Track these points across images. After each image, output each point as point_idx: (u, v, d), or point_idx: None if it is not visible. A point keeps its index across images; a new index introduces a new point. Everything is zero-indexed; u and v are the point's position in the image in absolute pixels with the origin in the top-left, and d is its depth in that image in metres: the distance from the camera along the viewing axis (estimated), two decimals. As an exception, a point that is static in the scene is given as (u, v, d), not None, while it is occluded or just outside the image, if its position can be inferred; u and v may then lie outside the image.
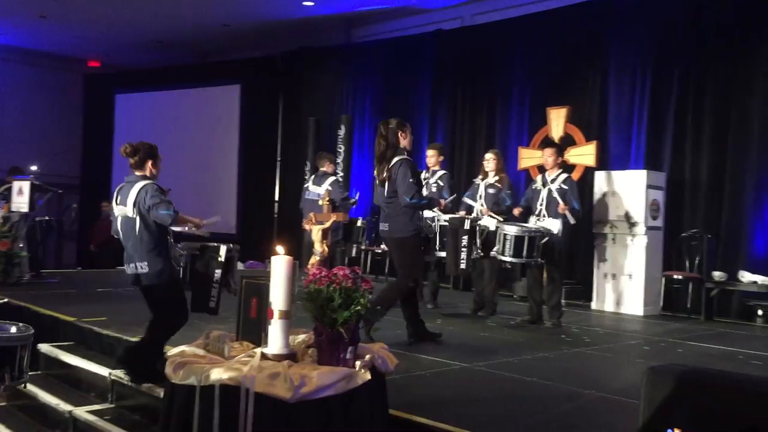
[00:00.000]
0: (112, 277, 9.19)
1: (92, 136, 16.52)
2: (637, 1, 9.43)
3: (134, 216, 4.36)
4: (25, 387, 4.27)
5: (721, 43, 8.63)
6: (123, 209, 4.42)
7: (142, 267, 4.36)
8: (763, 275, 7.86)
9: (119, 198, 4.48)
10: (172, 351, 2.97)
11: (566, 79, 10.04)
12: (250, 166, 14.60)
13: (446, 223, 6.92)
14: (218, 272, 4.43)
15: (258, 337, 2.91)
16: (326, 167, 8.97)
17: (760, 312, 8.04)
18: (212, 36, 14.36)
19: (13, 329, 4.13)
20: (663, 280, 8.38)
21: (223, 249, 4.43)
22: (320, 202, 4.43)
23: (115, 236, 4.62)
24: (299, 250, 8.99)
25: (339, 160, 11.78)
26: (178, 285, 4.48)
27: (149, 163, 4.52)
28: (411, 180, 5.22)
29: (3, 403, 4.88)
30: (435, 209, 6.64)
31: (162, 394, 3.37)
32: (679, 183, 8.77)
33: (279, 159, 14.26)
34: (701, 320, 7.95)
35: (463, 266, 6.14)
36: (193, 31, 14.01)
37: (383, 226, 5.51)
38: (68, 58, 16.24)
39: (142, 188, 4.37)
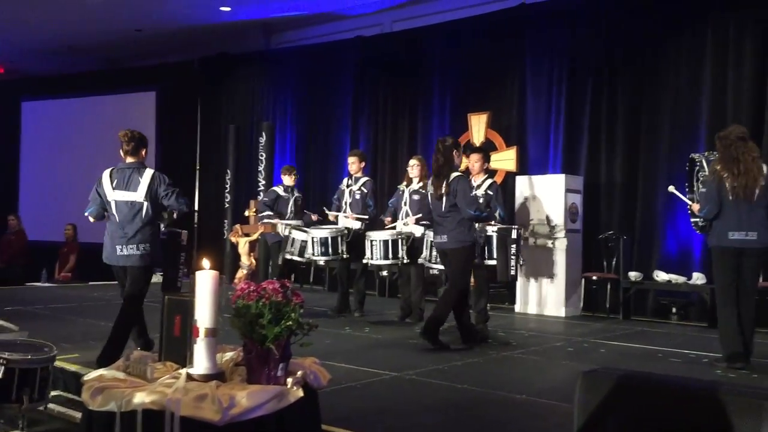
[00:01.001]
0: (19, 295, 8.70)
1: (-4, 146, 15.70)
2: (552, 10, 9.68)
3: (143, 201, 4.70)
4: (45, 409, 4.07)
5: (631, 51, 8.96)
6: (126, 194, 4.71)
7: (146, 248, 4.73)
8: (676, 274, 8.17)
9: (117, 183, 4.77)
10: (89, 375, 2.78)
11: (486, 86, 10.21)
12: (167, 175, 14.14)
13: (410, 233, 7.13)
14: (183, 255, 4.90)
15: (183, 356, 2.77)
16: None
17: (674, 309, 8.36)
18: (125, 41, 13.88)
19: (32, 352, 3.89)
20: (582, 281, 8.61)
21: (184, 234, 4.88)
22: (246, 214, 4.32)
23: (94, 220, 4.92)
24: (222, 262, 8.80)
25: (260, 169, 11.59)
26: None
27: (143, 151, 4.88)
28: (473, 195, 5.78)
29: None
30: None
31: (79, 419, 3.18)
32: (595, 186, 9.03)
33: (198, 167, 13.90)
34: (620, 319, 8.20)
35: (512, 273, 6.30)
36: (104, 36, 13.50)
37: (440, 238, 5.88)
38: (-32, 65, 15.41)
39: (154, 175, 4.81)
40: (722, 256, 5.24)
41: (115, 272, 5.05)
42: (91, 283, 10.65)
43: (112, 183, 4.86)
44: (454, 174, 5.77)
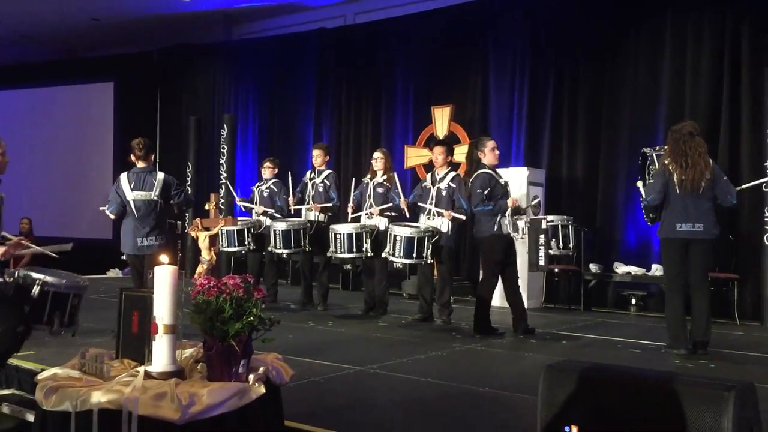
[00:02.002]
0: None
1: (-54, 138, 15.20)
2: (514, 5, 9.72)
3: (157, 199, 5.75)
4: (74, 336, 4.51)
5: (592, 48, 9.06)
6: (143, 194, 5.77)
7: (162, 238, 5.75)
8: (635, 266, 8.30)
9: (134, 185, 5.84)
10: (43, 374, 2.70)
11: (449, 79, 10.21)
12: (127, 167, 13.84)
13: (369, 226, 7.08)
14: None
15: (141, 354, 2.70)
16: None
17: (633, 301, 8.49)
18: (82, 30, 13.53)
19: (67, 279, 4.17)
20: (544, 273, 8.67)
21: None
22: (207, 207, 4.22)
23: (114, 217, 5.94)
24: (184, 256, 8.66)
25: (222, 161, 11.44)
26: None
27: (152, 155, 5.98)
28: (479, 190, 6.09)
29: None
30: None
31: (33, 418, 3.09)
32: (557, 179, 9.12)
33: (158, 160, 13.64)
34: (581, 311, 8.30)
35: (542, 263, 6.31)
36: (60, 25, 13.14)
37: (474, 229, 6.41)
38: None
39: (166, 178, 5.90)
40: (670, 247, 5.39)
41: (131, 262, 6.08)
42: (47, 278, 10.38)
43: (129, 185, 5.92)
44: (476, 172, 6.22)
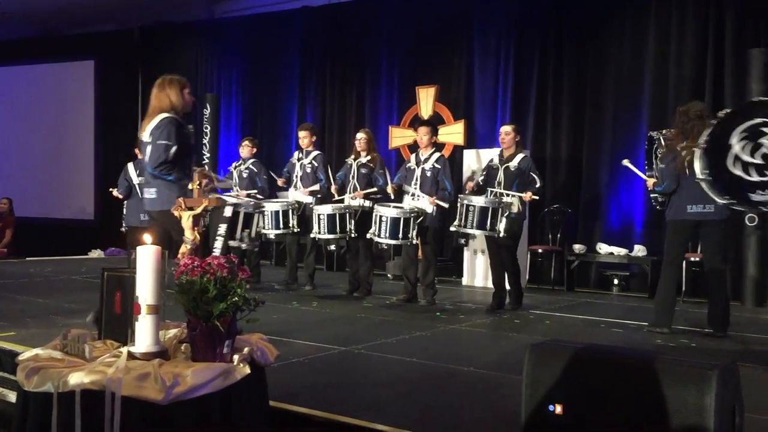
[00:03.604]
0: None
1: None
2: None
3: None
4: (256, 249, 7.15)
5: (576, 27, 9.04)
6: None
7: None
8: (618, 247, 8.35)
9: (139, 171, 7.02)
10: (24, 355, 2.66)
11: (434, 59, 10.16)
12: (108, 147, 13.72)
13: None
14: None
15: (123, 334, 2.67)
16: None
17: (615, 281, 8.56)
18: (61, 7, 13.27)
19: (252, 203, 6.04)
20: (528, 254, 8.72)
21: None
22: (190, 186, 4.18)
23: (123, 197, 7.74)
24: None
25: (205, 141, 11.34)
26: None
27: None
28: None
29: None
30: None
31: (15, 399, 3.06)
32: (541, 160, 9.10)
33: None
34: (564, 291, 8.36)
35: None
36: (39, 1, 12.89)
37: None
38: None
39: None
40: (678, 229, 5.41)
41: (132, 235, 7.38)
42: (28, 258, 10.30)
43: (135, 171, 7.37)
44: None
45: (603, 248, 8.43)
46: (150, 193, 4.80)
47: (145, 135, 4.70)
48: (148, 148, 4.68)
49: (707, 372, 2.25)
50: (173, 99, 4.68)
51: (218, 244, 5.09)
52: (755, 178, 4.25)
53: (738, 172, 4.29)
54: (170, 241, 5.08)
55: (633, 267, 8.48)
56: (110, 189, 7.88)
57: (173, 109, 4.69)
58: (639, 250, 8.15)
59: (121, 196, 7.74)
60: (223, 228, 5.25)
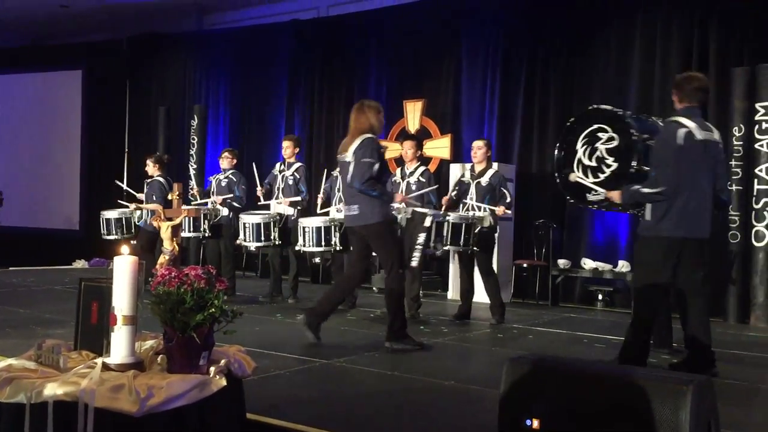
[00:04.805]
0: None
1: None
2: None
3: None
4: (437, 252, 6.72)
5: (563, 42, 9.11)
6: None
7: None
8: (602, 262, 8.38)
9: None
10: (-3, 365, 2.63)
11: (421, 73, 10.21)
12: (95, 158, 13.68)
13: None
14: None
15: (99, 345, 2.65)
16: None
17: (600, 296, 8.58)
18: (50, 17, 13.27)
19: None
20: (513, 268, 8.74)
21: None
22: (170, 197, 4.16)
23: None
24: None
25: (192, 152, 11.32)
26: None
27: (158, 166, 8.39)
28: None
29: None
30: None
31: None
32: (527, 175, 9.17)
33: (127, 150, 13.48)
34: (548, 306, 8.37)
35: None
36: (27, 10, 12.88)
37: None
38: None
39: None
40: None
41: (141, 238, 8.08)
42: (11, 268, 10.21)
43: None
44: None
45: (587, 263, 8.45)
46: (352, 210, 5.08)
47: (348, 155, 5.03)
48: (351, 166, 4.97)
49: (683, 387, 2.26)
50: (372, 121, 5.06)
51: (416, 254, 5.55)
52: (590, 179, 4.72)
53: (580, 174, 4.76)
54: (369, 253, 5.27)
55: (617, 282, 8.50)
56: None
57: (372, 130, 5.05)
58: (623, 266, 8.18)
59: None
60: (422, 238, 5.71)
